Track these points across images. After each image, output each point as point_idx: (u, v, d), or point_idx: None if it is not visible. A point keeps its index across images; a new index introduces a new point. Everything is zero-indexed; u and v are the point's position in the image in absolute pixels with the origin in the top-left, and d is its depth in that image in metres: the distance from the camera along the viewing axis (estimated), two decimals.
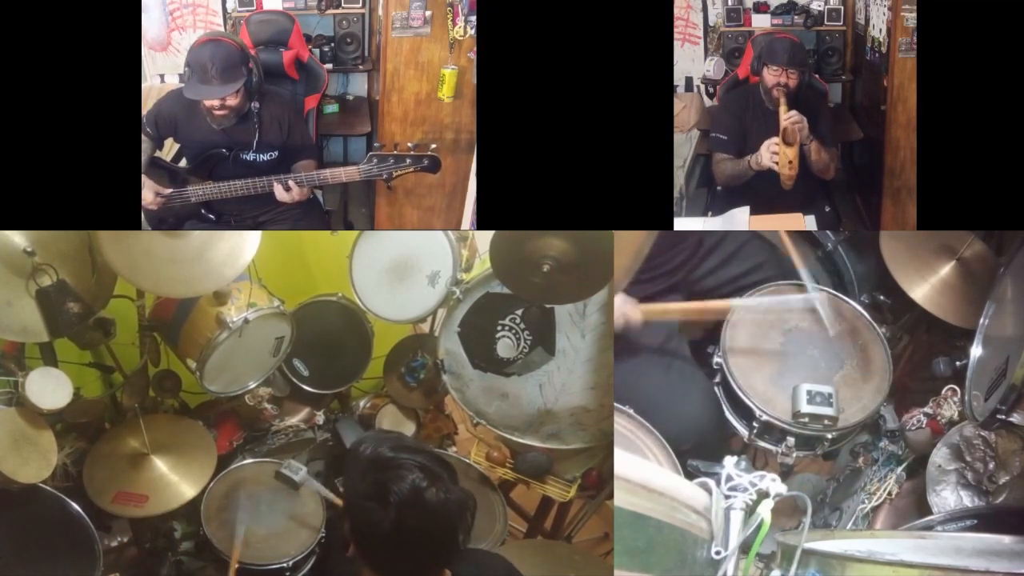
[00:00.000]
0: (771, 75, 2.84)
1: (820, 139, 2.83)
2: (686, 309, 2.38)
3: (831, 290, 2.41)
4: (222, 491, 2.49)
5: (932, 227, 2.43)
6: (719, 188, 3.03)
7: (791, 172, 2.74)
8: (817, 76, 3.19)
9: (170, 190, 2.55)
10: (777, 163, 2.73)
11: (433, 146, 2.52)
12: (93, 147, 2.26)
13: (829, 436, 2.19)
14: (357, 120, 3.19)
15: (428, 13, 2.74)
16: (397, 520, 1.44)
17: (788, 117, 2.74)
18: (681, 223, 2.69)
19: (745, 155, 2.88)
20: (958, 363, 2.36)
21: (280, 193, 2.52)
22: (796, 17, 3.39)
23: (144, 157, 2.56)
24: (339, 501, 2.35)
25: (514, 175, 2.40)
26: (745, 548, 1.36)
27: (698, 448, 2.18)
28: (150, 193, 2.53)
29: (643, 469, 1.33)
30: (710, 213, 2.99)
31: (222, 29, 3.08)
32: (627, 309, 2.23)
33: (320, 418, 2.80)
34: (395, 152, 2.50)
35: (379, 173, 2.51)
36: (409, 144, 2.52)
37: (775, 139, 2.75)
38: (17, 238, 2.18)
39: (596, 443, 2.66)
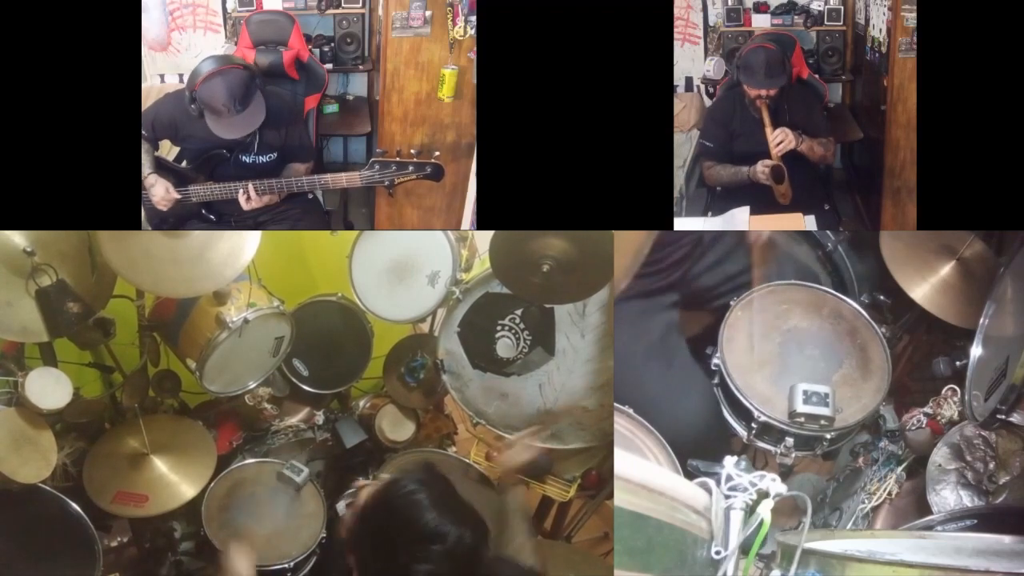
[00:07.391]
0: (751, 89, 2.86)
1: (813, 133, 2.87)
2: None
3: (834, 290, 2.41)
4: (222, 491, 2.49)
5: (932, 227, 2.43)
6: (718, 189, 3.03)
7: (785, 202, 2.83)
8: (817, 76, 3.19)
9: (180, 190, 2.55)
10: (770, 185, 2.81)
11: (436, 153, 2.51)
12: (93, 147, 2.26)
13: (828, 436, 2.18)
14: (357, 120, 3.19)
15: (428, 13, 2.74)
16: None
17: (774, 140, 2.77)
18: (681, 223, 2.69)
19: (733, 157, 2.92)
20: (958, 363, 2.36)
21: (242, 202, 2.51)
22: (796, 17, 3.39)
23: (148, 158, 2.56)
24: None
25: (514, 175, 2.40)
26: (745, 548, 1.36)
27: (698, 448, 2.18)
28: (162, 189, 2.52)
29: (643, 469, 1.33)
30: (710, 213, 2.99)
31: (221, 42, 3.07)
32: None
33: (320, 418, 2.80)
34: (397, 159, 2.50)
35: (381, 180, 2.50)
36: (412, 150, 2.52)
37: (768, 161, 2.79)
38: (17, 238, 2.18)
39: (596, 443, 2.66)
